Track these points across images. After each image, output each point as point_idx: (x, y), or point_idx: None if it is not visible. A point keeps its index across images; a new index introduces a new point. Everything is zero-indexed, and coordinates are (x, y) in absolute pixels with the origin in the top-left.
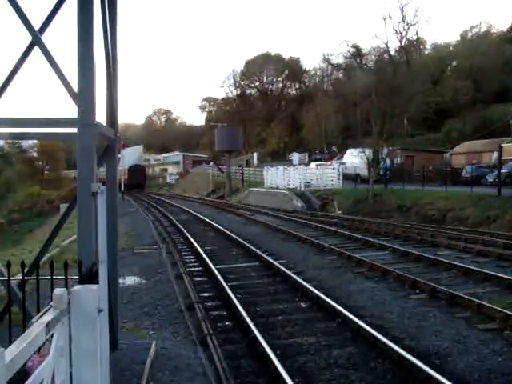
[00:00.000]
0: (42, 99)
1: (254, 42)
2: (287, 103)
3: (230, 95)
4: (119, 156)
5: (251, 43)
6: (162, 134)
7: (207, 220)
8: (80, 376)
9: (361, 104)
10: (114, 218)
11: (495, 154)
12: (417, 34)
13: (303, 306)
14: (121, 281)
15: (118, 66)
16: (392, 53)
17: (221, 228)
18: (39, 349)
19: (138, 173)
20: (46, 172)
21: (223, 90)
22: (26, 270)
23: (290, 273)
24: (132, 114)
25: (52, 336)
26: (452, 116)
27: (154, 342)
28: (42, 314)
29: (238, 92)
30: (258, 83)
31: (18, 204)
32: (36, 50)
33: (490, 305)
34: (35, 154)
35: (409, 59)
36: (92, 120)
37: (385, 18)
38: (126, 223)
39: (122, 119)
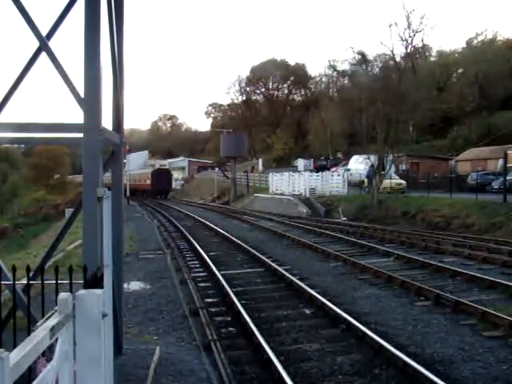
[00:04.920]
0: (49, 104)
1: (259, 48)
2: (293, 109)
3: (236, 101)
4: (125, 161)
5: (257, 49)
6: (168, 140)
7: (212, 226)
8: (84, 381)
9: (366, 110)
10: (120, 222)
11: (501, 161)
12: (422, 40)
13: (307, 312)
14: (125, 286)
15: (124, 72)
16: (397, 59)
17: (225, 234)
18: (44, 353)
19: (162, 177)
20: (56, 177)
21: (229, 95)
22: (31, 275)
23: (294, 279)
24: (138, 120)
25: (56, 340)
26: (458, 123)
27: (158, 348)
28: (47, 319)
29: (244, 98)
30: (263, 89)
31: (23, 208)
32: (43, 55)
33: (494, 312)
34: (41, 159)
35: (414, 66)
36: (98, 125)
37: (390, 25)
38: (131, 228)
39: (128, 124)
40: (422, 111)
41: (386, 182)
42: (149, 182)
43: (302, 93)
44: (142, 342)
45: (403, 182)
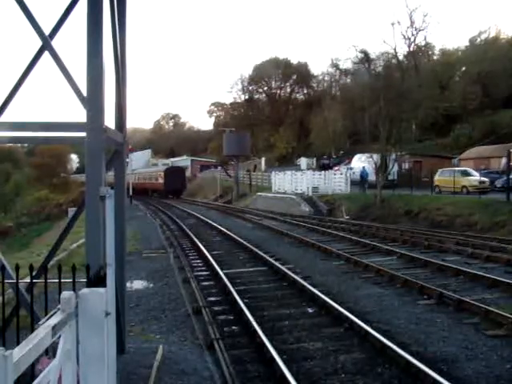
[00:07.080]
0: (51, 103)
1: (262, 47)
2: (295, 108)
3: (238, 100)
4: (127, 160)
5: (259, 48)
6: (170, 139)
7: (215, 225)
8: (87, 379)
9: (369, 109)
10: (122, 221)
11: (504, 160)
12: (425, 39)
13: (310, 311)
14: (128, 285)
15: (126, 71)
16: (400, 58)
17: (228, 233)
18: (47, 351)
19: (176, 176)
20: (62, 175)
21: (231, 94)
22: (34, 274)
23: (297, 278)
24: (140, 119)
25: (59, 338)
26: (460, 121)
27: (161, 346)
28: (50, 317)
29: (246, 97)
30: (266, 88)
31: (26, 208)
32: (45, 54)
33: (498, 311)
34: (44, 158)
35: (417, 64)
36: (100, 124)
37: (393, 24)
38: (134, 227)
39: (131, 123)
40: (424, 110)
41: (470, 180)
42: (161, 180)
43: (305, 91)
44: (145, 341)
45: (486, 179)
